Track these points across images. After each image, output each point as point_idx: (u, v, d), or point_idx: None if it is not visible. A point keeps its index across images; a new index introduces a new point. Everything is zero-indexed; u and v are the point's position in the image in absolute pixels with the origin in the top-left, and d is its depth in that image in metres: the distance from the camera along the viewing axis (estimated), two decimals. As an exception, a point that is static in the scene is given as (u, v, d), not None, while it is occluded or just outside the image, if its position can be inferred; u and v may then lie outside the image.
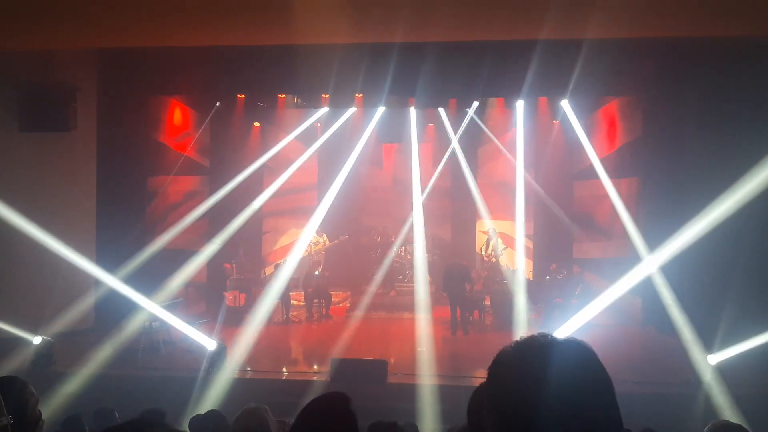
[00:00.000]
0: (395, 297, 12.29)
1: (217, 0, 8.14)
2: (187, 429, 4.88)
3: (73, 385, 7.31)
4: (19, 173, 9.48)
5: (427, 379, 7.71)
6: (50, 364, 8.06)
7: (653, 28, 8.58)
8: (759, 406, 6.27)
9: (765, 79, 8.20)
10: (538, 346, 1.04)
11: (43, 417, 4.64)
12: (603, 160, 10.96)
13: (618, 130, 11.62)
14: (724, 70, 8.74)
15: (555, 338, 1.06)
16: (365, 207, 13.53)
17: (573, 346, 1.04)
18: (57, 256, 9.02)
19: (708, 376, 7.15)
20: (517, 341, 1.08)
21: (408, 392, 7.37)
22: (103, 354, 8.10)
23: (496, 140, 12.16)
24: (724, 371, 7.23)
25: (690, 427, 5.14)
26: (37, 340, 8.29)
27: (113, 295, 9.31)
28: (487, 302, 11.03)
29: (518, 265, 11.42)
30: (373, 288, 11.44)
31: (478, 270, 11.53)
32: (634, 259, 9.59)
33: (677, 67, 9.44)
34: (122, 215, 10.26)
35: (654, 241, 9.31)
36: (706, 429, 3.22)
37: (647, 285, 9.20)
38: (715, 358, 7.50)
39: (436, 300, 11.50)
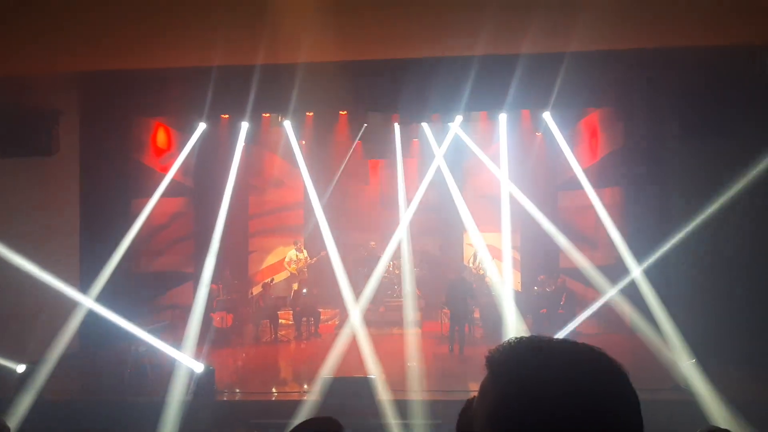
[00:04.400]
0: (384, 313, 12.24)
1: (199, 20, 8.16)
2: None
3: (59, 412, 7.16)
4: (1, 199, 9.36)
5: (417, 395, 7.67)
6: (35, 392, 7.89)
7: (631, 41, 8.73)
8: (747, 412, 6.30)
9: (743, 87, 8.36)
10: (551, 348, 0.92)
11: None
12: (586, 171, 11.07)
13: (600, 141, 11.76)
14: (703, 79, 8.89)
15: (568, 341, 0.95)
16: (352, 223, 13.52)
17: (600, 358, 0.92)
18: (40, 282, 8.88)
19: (696, 382, 7.19)
20: (526, 338, 0.96)
21: (399, 408, 7.32)
22: (89, 380, 7.96)
23: (480, 153, 12.23)
24: (711, 377, 7.27)
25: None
26: (21, 368, 8.13)
27: (98, 320, 9.18)
28: (477, 315, 11.01)
29: (506, 277, 11.44)
30: (362, 304, 11.40)
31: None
32: (620, 267, 9.65)
33: (656, 77, 9.59)
34: (106, 238, 10.15)
35: (639, 249, 9.39)
36: (694, 435, 3.23)
37: (633, 292, 9.25)
38: (703, 364, 7.54)
39: (425, 315, 11.48)
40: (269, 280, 12.01)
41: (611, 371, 0.91)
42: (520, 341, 0.96)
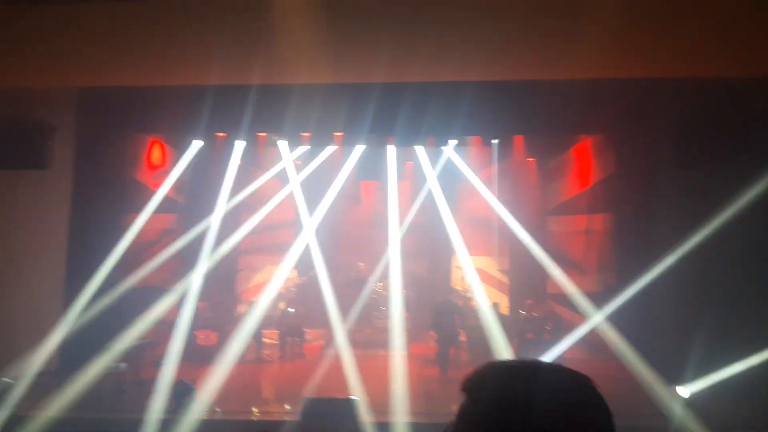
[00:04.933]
0: (370, 334, 12.14)
1: (196, 39, 8.26)
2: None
3: (34, 429, 7.05)
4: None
5: (401, 416, 7.56)
6: (10, 408, 7.77)
7: (623, 70, 8.82)
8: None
9: (736, 117, 8.42)
10: (531, 371, 0.96)
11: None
12: (576, 197, 11.09)
13: (591, 167, 11.81)
14: (695, 106, 8.96)
15: (546, 363, 0.99)
16: (342, 243, 13.49)
17: (569, 373, 0.97)
18: (23, 294, 8.82)
19: (680, 409, 7.10)
20: (503, 362, 1.00)
21: (382, 431, 7.21)
22: (66, 396, 7.85)
23: (472, 177, 12.28)
24: (695, 403, 7.19)
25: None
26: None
27: (80, 336, 9.09)
28: (463, 338, 10.93)
29: (494, 300, 11.39)
30: (347, 325, 11.31)
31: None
32: (608, 293, 9.61)
33: (648, 105, 9.68)
34: (94, 253, 10.11)
35: (627, 275, 9.35)
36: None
37: (620, 318, 9.19)
38: (687, 391, 7.47)
39: (411, 336, 11.39)
40: (255, 299, 11.90)
41: (582, 385, 0.95)
42: (493, 365, 1.01)
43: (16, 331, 8.93)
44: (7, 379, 8.04)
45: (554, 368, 0.97)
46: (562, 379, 0.95)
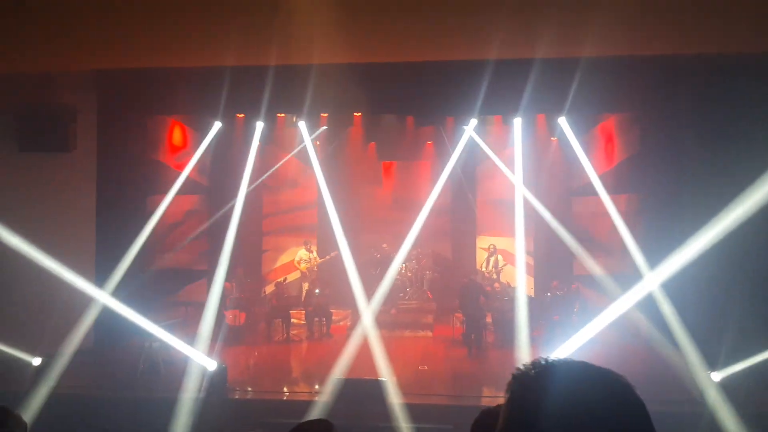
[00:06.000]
0: (396, 315, 12.24)
1: (215, 20, 8.24)
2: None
3: (72, 406, 7.24)
4: (19, 193, 9.51)
5: (428, 398, 7.67)
6: (50, 385, 7.98)
7: (648, 46, 8.68)
8: (763, 424, 6.23)
9: (762, 93, 8.27)
10: (577, 377, 0.97)
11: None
12: (601, 177, 10.99)
13: (616, 146, 11.67)
14: (721, 84, 8.81)
15: (594, 368, 0.99)
16: (365, 224, 13.54)
17: (614, 382, 0.97)
18: (56, 276, 8.99)
19: (712, 394, 7.11)
20: (548, 364, 1.01)
21: (409, 412, 7.32)
22: (102, 375, 8.03)
23: (494, 157, 12.20)
24: (728, 388, 7.18)
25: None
26: (36, 360, 8.23)
27: (113, 315, 9.27)
28: (488, 320, 10.98)
29: (519, 282, 11.40)
30: (373, 306, 11.42)
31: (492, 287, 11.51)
32: (635, 275, 9.57)
33: (673, 82, 9.51)
34: (122, 235, 10.24)
35: (654, 256, 9.30)
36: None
37: (649, 301, 9.17)
38: (719, 375, 7.46)
39: (436, 318, 11.46)
40: (282, 279, 12.04)
41: (623, 388, 0.97)
42: (539, 373, 1.01)
43: (51, 311, 9.12)
44: (44, 357, 8.25)
45: (608, 378, 0.99)
46: (613, 392, 0.96)
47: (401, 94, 10.06)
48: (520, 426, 0.96)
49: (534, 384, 0.99)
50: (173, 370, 8.89)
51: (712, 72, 8.71)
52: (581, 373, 0.99)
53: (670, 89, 9.67)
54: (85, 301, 9.49)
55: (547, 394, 0.95)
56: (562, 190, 12.40)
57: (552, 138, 12.44)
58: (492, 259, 11.99)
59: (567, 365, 1.00)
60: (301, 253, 12.61)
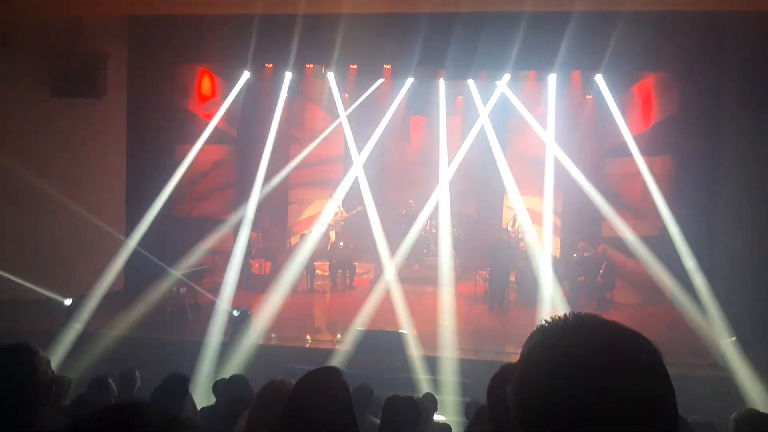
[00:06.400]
0: (419, 270, 12.29)
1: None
2: (211, 392, 4.98)
3: (102, 346, 7.51)
4: (51, 138, 9.67)
5: (448, 352, 7.74)
6: (81, 325, 8.28)
7: (690, 2, 8.27)
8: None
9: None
10: (586, 334, 0.92)
11: (71, 378, 4.76)
12: (636, 138, 10.69)
13: (653, 108, 11.29)
14: (763, 46, 8.38)
15: (611, 325, 0.93)
16: (391, 180, 13.46)
17: (642, 345, 0.92)
18: (87, 220, 9.20)
19: (735, 361, 7.02)
20: (555, 321, 0.95)
21: (429, 364, 7.42)
22: (132, 317, 8.28)
23: (526, 114, 11.91)
24: (752, 357, 7.08)
25: (716, 410, 5.07)
26: (68, 301, 8.51)
27: (142, 260, 9.49)
28: (512, 278, 10.95)
29: (545, 242, 11.29)
30: (397, 261, 11.47)
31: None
32: (665, 238, 9.39)
33: (716, 43, 9.11)
34: (151, 181, 10.40)
35: (686, 221, 9.10)
36: (732, 417, 3.15)
37: (677, 264, 9.02)
38: (743, 340, 7.35)
39: (459, 275, 11.47)
40: (308, 231, 12.12)
41: (648, 352, 0.91)
42: (546, 330, 0.95)
43: (83, 253, 9.38)
44: (76, 298, 8.53)
45: (613, 332, 0.93)
46: (624, 348, 0.90)
47: (432, 46, 9.81)
48: (535, 377, 0.92)
49: (556, 337, 0.93)
50: (200, 314, 9.13)
51: (756, 32, 8.27)
52: (610, 333, 0.93)
53: (713, 50, 9.28)
54: (116, 244, 9.73)
55: (567, 350, 0.90)
56: (595, 150, 12.09)
57: (587, 96, 12.08)
58: (518, 219, 11.87)
59: (595, 322, 0.94)
60: (332, 205, 12.55)
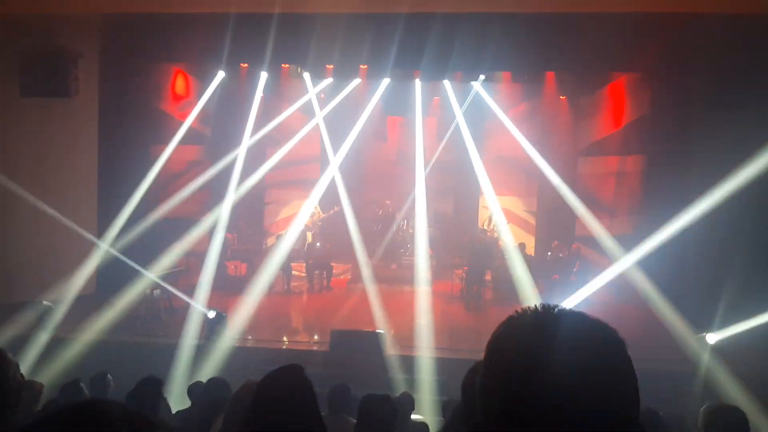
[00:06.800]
0: (396, 270, 12.31)
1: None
2: (187, 395, 4.93)
3: (73, 351, 7.37)
4: (20, 138, 9.45)
5: (425, 351, 7.77)
6: (51, 330, 8.11)
7: (662, 3, 8.43)
8: (757, 386, 6.30)
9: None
10: (551, 323, 0.92)
11: (43, 382, 4.66)
12: (609, 137, 10.86)
13: (625, 107, 11.48)
14: (736, 49, 8.58)
15: (577, 315, 0.95)
16: (368, 180, 13.47)
17: (605, 333, 0.93)
18: (58, 222, 9.01)
19: (707, 355, 7.18)
20: (524, 312, 0.96)
21: (406, 364, 7.44)
22: (104, 320, 8.15)
23: (501, 115, 12.02)
24: (723, 350, 7.26)
25: (687, 404, 5.18)
26: (39, 305, 8.33)
27: (115, 262, 9.34)
28: (488, 277, 11.04)
29: (519, 241, 11.40)
30: (374, 261, 11.47)
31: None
32: (637, 236, 9.56)
33: (687, 45, 9.28)
34: (124, 182, 10.23)
35: (657, 218, 9.26)
36: (701, 410, 3.22)
37: (649, 262, 9.18)
38: (715, 337, 7.53)
39: (436, 274, 11.53)
40: (284, 232, 12.06)
41: (611, 340, 0.93)
42: (513, 322, 0.96)
43: (54, 256, 9.19)
44: (47, 303, 8.35)
45: (577, 321, 0.94)
46: (586, 336, 0.92)
47: (408, 47, 9.84)
48: (498, 366, 0.93)
49: (522, 327, 0.95)
50: (174, 317, 9.01)
51: (728, 35, 8.46)
52: (574, 322, 0.94)
53: (684, 51, 9.45)
54: (87, 247, 9.55)
55: (531, 339, 0.91)
56: (569, 150, 12.25)
57: (561, 97, 12.25)
58: (494, 218, 11.97)
59: (560, 312, 0.96)
60: (308, 206, 12.50)
